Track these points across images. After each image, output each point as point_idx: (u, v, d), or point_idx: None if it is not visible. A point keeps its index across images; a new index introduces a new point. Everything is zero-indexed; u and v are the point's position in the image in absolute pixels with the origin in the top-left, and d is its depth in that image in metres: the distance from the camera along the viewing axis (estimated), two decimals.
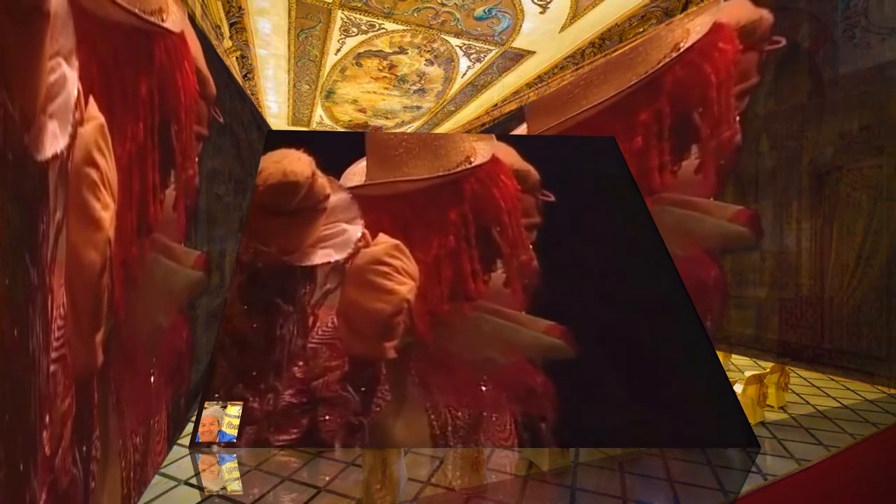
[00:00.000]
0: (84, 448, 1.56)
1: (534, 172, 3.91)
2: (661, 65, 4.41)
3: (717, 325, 3.78)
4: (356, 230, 3.55)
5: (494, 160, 4.01)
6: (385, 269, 3.43)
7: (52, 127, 1.35)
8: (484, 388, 2.96)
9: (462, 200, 3.84)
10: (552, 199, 3.80)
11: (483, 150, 4.09)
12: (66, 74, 1.43)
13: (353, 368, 3.01)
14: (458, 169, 3.93)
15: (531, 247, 3.60)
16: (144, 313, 2.20)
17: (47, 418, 1.32)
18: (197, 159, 2.88)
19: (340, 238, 3.53)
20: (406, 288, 3.37)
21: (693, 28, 4.16)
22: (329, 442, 2.75)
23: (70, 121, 1.46)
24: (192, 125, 2.80)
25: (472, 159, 3.99)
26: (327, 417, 2.79)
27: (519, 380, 2.99)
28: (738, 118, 3.67)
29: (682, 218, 4.09)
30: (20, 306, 1.20)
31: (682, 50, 4.21)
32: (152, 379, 2.31)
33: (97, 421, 1.66)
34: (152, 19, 2.27)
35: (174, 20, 2.55)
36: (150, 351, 2.29)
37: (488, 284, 3.45)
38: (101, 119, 1.69)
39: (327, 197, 3.70)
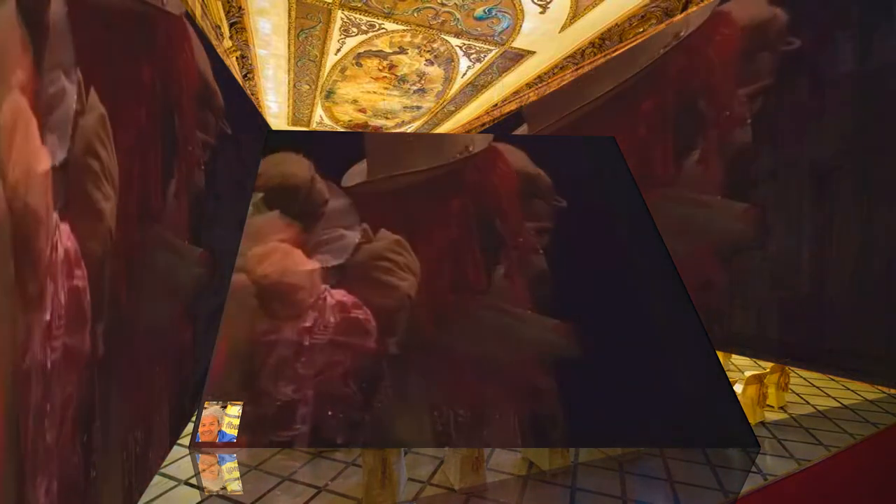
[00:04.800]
0: (85, 437, 1.58)
1: (545, 177, 3.91)
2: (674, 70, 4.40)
3: (726, 329, 3.76)
4: (354, 236, 3.55)
5: (491, 148, 4.02)
6: (387, 264, 3.43)
7: (51, 139, 1.35)
8: (487, 386, 2.95)
9: (463, 190, 3.84)
10: (564, 204, 3.80)
11: (481, 139, 4.12)
12: (65, 87, 1.43)
13: (354, 365, 3.01)
14: (458, 157, 3.95)
15: (537, 246, 3.59)
16: (147, 307, 2.20)
17: (48, 406, 1.33)
18: (200, 153, 2.86)
19: (338, 244, 3.53)
20: (407, 283, 3.37)
21: (692, 23, 4.15)
22: (331, 439, 2.73)
23: (69, 133, 1.47)
24: (194, 112, 2.77)
25: (471, 148, 4.01)
26: (329, 413, 2.78)
27: (523, 378, 2.99)
28: (748, 119, 3.64)
29: (688, 215, 4.06)
30: (20, 297, 1.21)
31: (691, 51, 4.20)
32: (156, 372, 2.31)
33: (98, 411, 1.67)
34: (153, 1, 2.25)
35: (174, 2, 2.53)
36: (153, 344, 2.29)
37: (491, 276, 3.45)
38: (102, 109, 1.70)
39: (326, 202, 3.70)
